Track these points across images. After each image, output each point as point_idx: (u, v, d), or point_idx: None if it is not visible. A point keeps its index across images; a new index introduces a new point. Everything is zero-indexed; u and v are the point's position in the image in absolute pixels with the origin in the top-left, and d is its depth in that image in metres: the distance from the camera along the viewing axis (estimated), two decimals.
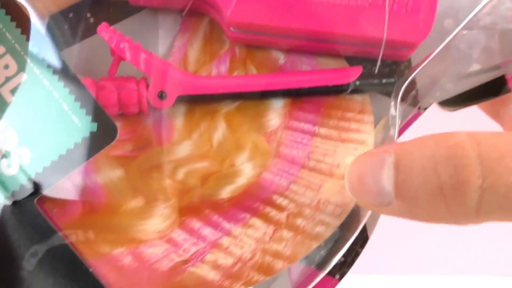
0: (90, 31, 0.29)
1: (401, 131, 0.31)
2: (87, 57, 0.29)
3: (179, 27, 0.30)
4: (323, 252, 0.27)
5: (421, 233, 0.71)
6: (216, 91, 0.27)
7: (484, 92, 0.32)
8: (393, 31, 0.28)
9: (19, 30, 0.23)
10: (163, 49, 0.30)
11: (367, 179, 0.21)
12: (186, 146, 0.27)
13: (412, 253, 0.71)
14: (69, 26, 0.30)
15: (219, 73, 0.30)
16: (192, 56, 0.30)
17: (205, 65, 0.30)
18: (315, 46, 0.29)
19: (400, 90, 0.28)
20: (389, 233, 0.69)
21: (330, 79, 0.28)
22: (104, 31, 0.26)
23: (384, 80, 0.29)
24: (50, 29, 0.30)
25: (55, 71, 0.23)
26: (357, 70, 0.29)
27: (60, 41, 0.30)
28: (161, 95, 0.26)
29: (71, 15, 0.30)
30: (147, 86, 0.27)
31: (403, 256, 0.71)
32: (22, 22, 0.24)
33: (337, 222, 0.25)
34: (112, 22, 0.30)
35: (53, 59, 0.23)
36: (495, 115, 0.33)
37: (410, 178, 0.20)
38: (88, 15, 0.30)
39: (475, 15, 0.29)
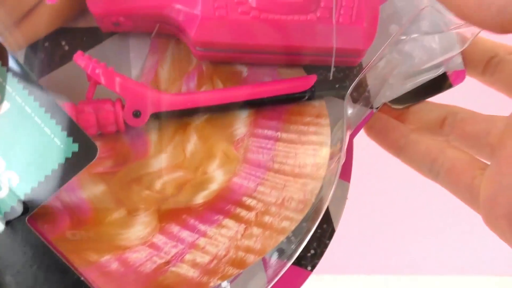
0: (66, 58, 0.32)
1: (356, 130, 0.34)
2: (65, 82, 0.32)
3: (149, 49, 0.33)
4: (293, 246, 0.30)
5: (421, 233, 0.72)
6: (186, 106, 0.30)
7: (429, 89, 0.35)
8: (341, 40, 0.31)
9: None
10: (135, 70, 0.33)
11: None
12: (162, 159, 0.29)
13: (412, 253, 0.71)
14: (45, 55, 0.32)
15: (189, 89, 0.32)
16: (162, 75, 0.33)
17: (175, 82, 0.32)
18: (274, 58, 0.32)
19: (348, 92, 0.31)
20: (389, 233, 0.71)
21: (288, 89, 0.31)
22: (80, 58, 0.28)
23: (337, 85, 0.32)
24: (28, 58, 0.32)
25: (35, 98, 0.26)
26: (312, 79, 0.32)
27: (38, 69, 0.32)
28: (136, 114, 0.29)
29: (46, 44, 0.32)
30: (123, 106, 0.29)
31: (403, 256, 0.71)
32: (0, 55, 0.26)
33: (300, 217, 0.28)
34: (85, 48, 0.33)
35: (33, 86, 0.26)
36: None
37: None
38: (63, 43, 0.33)
39: (415, 22, 0.32)
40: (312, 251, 0.31)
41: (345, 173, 0.33)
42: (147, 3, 0.30)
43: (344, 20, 0.30)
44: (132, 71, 0.33)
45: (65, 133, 0.25)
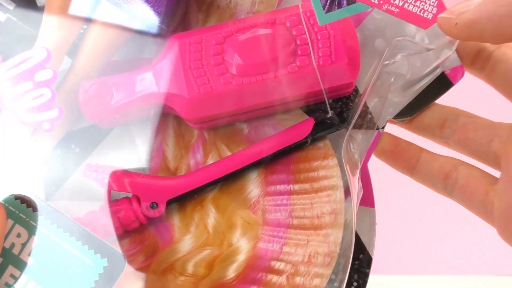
0: (79, 160, 0.34)
1: (368, 154, 0.34)
2: (81, 188, 0.33)
3: (151, 131, 0.34)
4: (336, 284, 0.30)
5: (421, 233, 0.72)
6: (197, 185, 0.31)
7: (431, 93, 0.35)
8: (328, 81, 0.31)
9: (24, 204, 0.27)
10: (144, 154, 0.34)
11: None
12: (187, 241, 0.31)
13: (412, 254, 0.71)
14: (60, 163, 0.34)
15: (196, 162, 0.33)
16: (169, 154, 0.34)
17: (183, 159, 0.34)
18: (269, 111, 0.33)
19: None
20: (389, 233, 0.71)
21: (289, 139, 0.32)
22: (88, 171, 0.30)
23: (337, 121, 0.33)
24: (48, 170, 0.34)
25: (59, 226, 0.27)
26: (310, 123, 0.32)
27: (58, 178, 0.34)
28: (153, 206, 0.30)
29: (58, 151, 0.34)
30: (139, 201, 0.31)
31: (404, 256, 0.71)
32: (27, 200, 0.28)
33: (329, 271, 0.28)
34: (94, 145, 0.34)
35: (55, 215, 0.28)
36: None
37: None
38: (73, 146, 0.34)
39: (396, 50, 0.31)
40: (355, 284, 0.32)
41: (368, 199, 0.33)
42: (137, 98, 0.31)
43: (324, 62, 0.30)
44: (141, 156, 0.34)
45: (92, 251, 0.27)
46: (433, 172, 0.31)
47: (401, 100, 0.34)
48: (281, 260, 0.29)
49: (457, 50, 0.33)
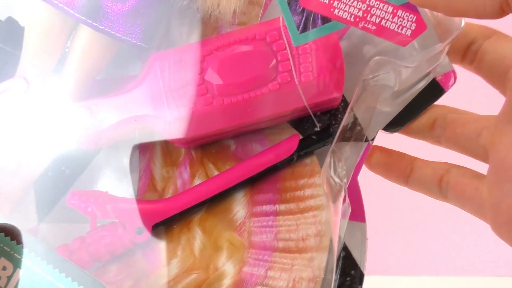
0: (68, 182, 0.34)
1: (358, 167, 0.33)
2: (72, 210, 0.34)
3: (138, 150, 0.34)
4: None
5: (421, 233, 0.70)
6: (183, 208, 0.31)
7: (422, 101, 0.33)
8: (311, 97, 0.30)
9: (8, 237, 0.27)
10: (134, 174, 0.34)
11: None
12: (174, 265, 0.31)
13: (412, 254, 0.70)
14: (51, 185, 0.34)
15: (183, 182, 0.33)
16: (157, 173, 0.34)
17: (170, 179, 0.33)
18: (254, 127, 0.32)
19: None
20: (389, 233, 0.70)
21: (275, 159, 0.31)
22: (72, 199, 0.30)
23: (323, 136, 0.32)
24: (37, 193, 0.34)
25: (42, 258, 0.28)
26: (295, 140, 0.31)
27: (49, 199, 0.34)
28: (139, 231, 0.30)
29: (49, 173, 0.34)
30: (125, 227, 0.31)
31: (403, 256, 0.71)
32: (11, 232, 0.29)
33: None
34: (83, 167, 0.34)
35: (39, 247, 0.28)
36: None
37: None
38: (63, 168, 0.35)
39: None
40: None
41: (359, 214, 0.32)
42: (119, 121, 0.31)
43: (306, 78, 0.29)
44: (131, 176, 0.34)
45: (75, 283, 0.27)
46: (427, 178, 0.31)
47: (391, 109, 0.33)
48: (266, 285, 0.29)
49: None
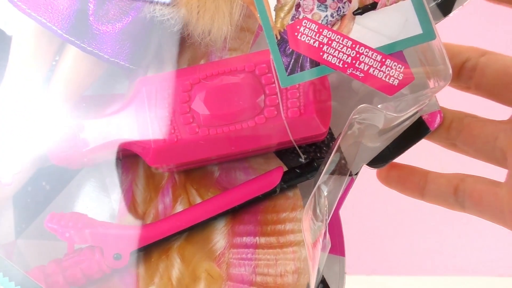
0: (48, 198, 0.33)
1: (340, 201, 0.33)
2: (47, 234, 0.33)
3: (121, 170, 0.34)
4: None
5: (421, 233, 0.71)
6: (162, 236, 0.30)
7: (406, 139, 0.33)
8: (296, 132, 0.30)
9: None
10: (114, 194, 0.34)
11: None
12: None
13: (412, 254, 0.71)
14: (31, 199, 0.34)
15: (165, 207, 0.33)
16: (139, 196, 0.33)
17: (152, 202, 0.33)
18: (239, 156, 0.32)
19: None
20: (389, 233, 0.70)
21: (258, 190, 0.31)
22: (50, 222, 0.30)
23: (308, 170, 0.32)
24: (17, 208, 0.34)
25: (11, 279, 0.27)
26: (279, 172, 0.31)
27: (28, 215, 0.34)
28: (117, 257, 0.30)
29: (29, 188, 0.34)
30: (102, 252, 0.30)
31: (403, 256, 0.71)
32: None
33: None
34: (63, 184, 0.34)
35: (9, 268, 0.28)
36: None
37: None
38: (44, 183, 0.34)
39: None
40: None
41: (339, 247, 0.32)
42: (103, 144, 0.30)
43: (293, 114, 0.29)
44: (112, 196, 0.34)
45: None
46: (443, 189, 0.31)
47: (376, 145, 0.33)
48: None
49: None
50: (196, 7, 0.31)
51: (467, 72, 0.31)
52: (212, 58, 0.33)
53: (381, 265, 0.67)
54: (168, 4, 0.31)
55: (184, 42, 0.33)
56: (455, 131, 0.32)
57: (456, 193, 0.31)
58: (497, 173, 0.31)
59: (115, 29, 0.31)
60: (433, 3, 0.32)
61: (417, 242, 0.70)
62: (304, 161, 0.32)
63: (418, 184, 0.33)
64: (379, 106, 0.29)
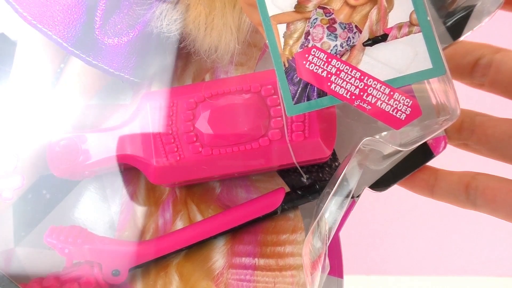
0: (48, 207, 0.33)
1: (341, 223, 0.33)
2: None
3: (123, 182, 0.34)
4: None
5: (421, 233, 0.71)
6: (160, 254, 0.30)
7: (410, 163, 0.33)
8: (300, 155, 0.30)
9: None
10: (114, 206, 0.34)
11: None
12: None
13: (411, 254, 0.71)
14: (31, 207, 0.34)
15: (165, 222, 0.33)
16: (139, 209, 0.33)
17: (152, 216, 0.33)
18: (242, 175, 0.32)
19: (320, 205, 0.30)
20: (389, 233, 0.70)
21: (259, 211, 0.31)
22: (49, 236, 0.29)
23: (309, 192, 0.32)
24: (16, 212, 0.34)
25: None
26: (281, 193, 0.31)
27: (29, 223, 0.34)
28: (115, 273, 0.30)
29: (30, 196, 0.34)
30: (101, 268, 0.30)
31: (404, 256, 0.71)
32: None
33: None
34: (64, 193, 0.34)
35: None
36: None
37: None
38: (44, 192, 0.34)
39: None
40: None
41: (338, 269, 0.32)
42: (105, 158, 0.30)
43: (297, 138, 0.29)
44: (112, 208, 0.34)
45: None
46: (453, 186, 0.31)
47: (379, 168, 0.33)
48: None
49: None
50: (203, 24, 0.30)
51: (481, 69, 0.30)
52: (218, 73, 0.33)
53: (381, 265, 0.67)
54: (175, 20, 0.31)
55: (190, 56, 0.32)
56: (467, 131, 0.31)
57: (468, 191, 0.30)
58: (498, 173, 0.31)
59: (121, 43, 0.31)
60: (443, 27, 0.31)
61: (417, 242, 0.70)
62: (306, 180, 0.32)
63: (427, 181, 0.32)
64: (384, 133, 0.29)
